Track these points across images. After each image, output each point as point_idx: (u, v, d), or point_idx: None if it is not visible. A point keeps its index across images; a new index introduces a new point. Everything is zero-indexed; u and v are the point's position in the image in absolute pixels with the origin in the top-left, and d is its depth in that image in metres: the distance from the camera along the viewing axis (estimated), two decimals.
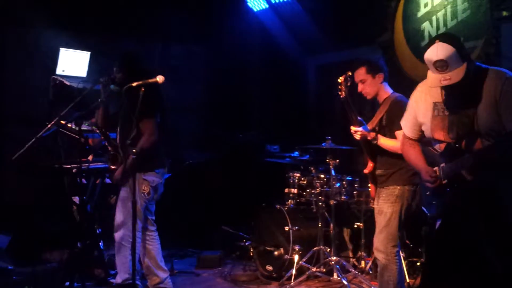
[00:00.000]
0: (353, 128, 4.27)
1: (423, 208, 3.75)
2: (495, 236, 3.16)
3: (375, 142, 4.20)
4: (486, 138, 3.20)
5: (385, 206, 4.23)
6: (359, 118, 4.33)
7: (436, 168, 3.45)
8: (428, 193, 3.58)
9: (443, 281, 3.36)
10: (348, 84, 4.30)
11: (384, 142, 4.19)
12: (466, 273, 3.26)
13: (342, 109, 4.41)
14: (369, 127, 4.36)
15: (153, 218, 5.09)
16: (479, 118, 3.21)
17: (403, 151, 3.80)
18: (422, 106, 3.53)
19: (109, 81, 4.96)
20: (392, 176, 4.25)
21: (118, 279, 4.88)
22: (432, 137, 3.47)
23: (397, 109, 4.19)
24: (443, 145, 3.41)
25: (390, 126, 4.22)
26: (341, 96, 4.30)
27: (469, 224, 3.26)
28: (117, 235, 4.87)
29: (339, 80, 4.32)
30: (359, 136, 4.26)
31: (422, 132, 3.60)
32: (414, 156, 3.67)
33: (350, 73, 4.36)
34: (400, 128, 4.08)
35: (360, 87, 4.39)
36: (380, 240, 4.23)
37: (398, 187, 4.21)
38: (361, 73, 4.37)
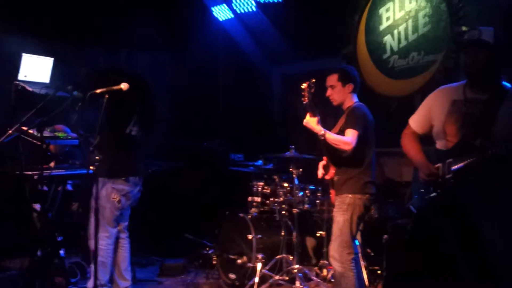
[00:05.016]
0: (307, 118, 4.27)
1: (411, 207, 3.83)
2: (466, 246, 3.24)
3: (322, 138, 4.21)
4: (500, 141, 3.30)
5: (338, 214, 4.34)
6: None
7: (438, 164, 3.53)
8: (422, 190, 3.65)
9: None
10: (312, 90, 4.36)
11: (330, 137, 4.21)
12: (434, 279, 3.32)
13: (305, 115, 4.43)
14: None
15: (126, 224, 5.07)
16: (497, 121, 3.34)
17: (404, 145, 3.89)
18: (439, 101, 3.66)
19: (73, 87, 4.93)
20: (345, 184, 4.35)
21: (90, 284, 4.86)
22: (442, 130, 3.56)
23: (352, 114, 4.35)
24: (450, 143, 3.51)
25: (344, 129, 4.31)
26: (304, 102, 4.36)
27: (441, 233, 3.34)
28: (89, 242, 4.84)
29: (302, 86, 4.38)
30: (308, 126, 4.26)
31: (429, 129, 3.71)
32: (416, 151, 3.77)
33: (314, 80, 4.43)
34: (349, 128, 4.18)
35: (328, 92, 4.50)
36: (335, 248, 4.31)
37: (350, 195, 4.31)
38: (332, 79, 4.48)
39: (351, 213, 4.29)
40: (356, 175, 4.32)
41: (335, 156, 4.36)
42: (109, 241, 4.81)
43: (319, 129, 4.21)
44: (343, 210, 4.31)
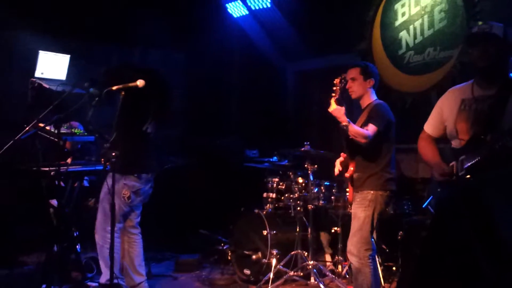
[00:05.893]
0: (333, 105, 4.22)
1: (429, 207, 3.82)
2: (485, 242, 3.22)
3: (345, 128, 4.16)
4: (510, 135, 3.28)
5: (359, 210, 4.33)
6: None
7: (453, 163, 3.53)
8: (439, 189, 3.66)
9: (428, 285, 3.41)
10: (343, 85, 4.37)
11: (352, 128, 4.17)
12: (454, 276, 3.31)
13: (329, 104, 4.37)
14: None
15: (138, 220, 5.11)
16: (506, 115, 3.32)
17: (420, 149, 3.88)
18: (450, 102, 3.66)
19: (89, 84, 4.96)
20: (367, 181, 4.34)
21: (102, 279, 4.90)
22: (455, 130, 3.56)
23: (376, 111, 4.35)
24: (463, 141, 3.50)
25: (365, 125, 4.30)
26: (334, 97, 4.31)
27: (459, 227, 3.32)
28: (96, 236, 4.89)
29: (334, 82, 4.38)
30: (335, 113, 4.20)
31: (444, 131, 3.71)
32: (431, 153, 3.77)
33: (345, 75, 4.44)
34: (371, 123, 4.20)
35: (349, 84, 4.47)
36: (353, 244, 4.31)
37: (372, 192, 4.31)
38: (354, 72, 4.48)
39: (372, 210, 4.29)
40: (379, 171, 4.32)
41: (357, 152, 4.34)
42: (115, 235, 4.83)
43: (344, 119, 4.17)
44: (364, 206, 4.30)
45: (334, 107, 4.22)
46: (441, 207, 3.60)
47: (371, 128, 4.22)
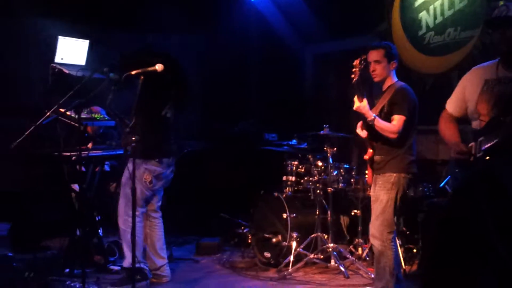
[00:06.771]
0: (357, 103, 4.24)
1: (446, 187, 3.81)
2: (502, 225, 3.19)
3: (371, 123, 4.19)
4: None
5: (381, 193, 4.29)
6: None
7: (472, 143, 3.50)
8: (457, 170, 3.63)
9: (445, 267, 3.39)
10: (362, 67, 4.32)
11: (378, 124, 4.18)
12: (471, 261, 3.28)
13: (351, 93, 4.34)
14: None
15: (159, 204, 5.16)
16: None
17: (440, 128, 3.86)
18: (473, 82, 3.63)
19: (109, 69, 4.98)
20: (389, 164, 4.29)
21: (125, 263, 4.96)
22: (476, 110, 3.53)
23: (400, 96, 4.27)
24: (483, 122, 3.48)
25: (389, 112, 4.26)
26: (354, 80, 4.29)
27: (476, 208, 3.30)
28: (119, 221, 4.96)
29: (353, 63, 4.34)
30: (360, 111, 4.23)
31: (465, 111, 3.68)
32: (451, 132, 3.75)
33: (365, 57, 4.38)
34: (398, 114, 4.14)
35: (372, 67, 4.38)
36: (376, 227, 4.29)
37: (394, 175, 4.26)
38: (378, 54, 4.36)
39: (395, 192, 4.25)
40: (401, 154, 4.26)
41: (378, 134, 4.30)
42: (137, 219, 4.88)
43: (370, 115, 4.19)
44: (387, 189, 4.26)
45: (357, 105, 4.23)
46: (458, 188, 3.58)
47: (397, 120, 4.18)
